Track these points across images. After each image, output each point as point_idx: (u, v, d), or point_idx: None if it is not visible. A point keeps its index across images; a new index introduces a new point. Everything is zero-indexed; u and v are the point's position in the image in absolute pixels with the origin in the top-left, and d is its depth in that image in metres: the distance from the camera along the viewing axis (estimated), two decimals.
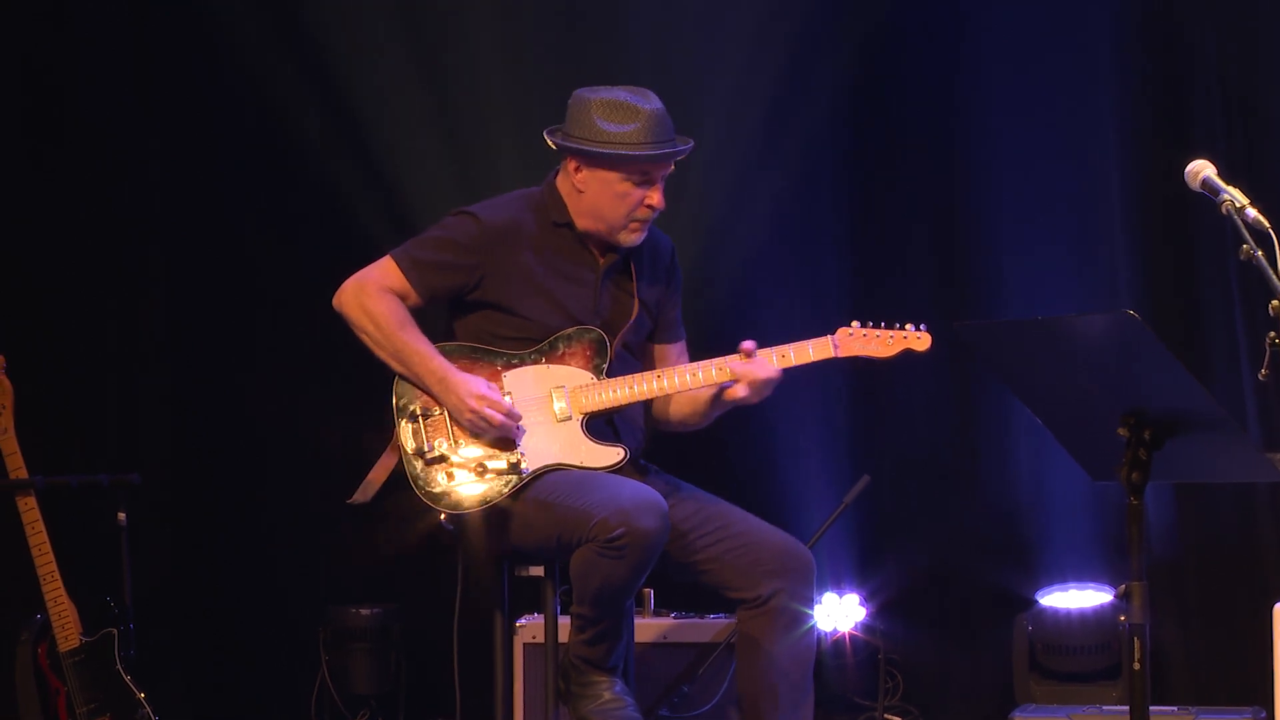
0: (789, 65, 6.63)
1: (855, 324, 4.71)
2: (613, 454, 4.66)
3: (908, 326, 4.74)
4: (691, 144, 4.74)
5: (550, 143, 4.76)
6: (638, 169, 4.66)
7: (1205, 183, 3.85)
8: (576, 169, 4.72)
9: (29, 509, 5.68)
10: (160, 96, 6.80)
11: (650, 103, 4.70)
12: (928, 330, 4.74)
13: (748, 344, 4.67)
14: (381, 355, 4.71)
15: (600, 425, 4.72)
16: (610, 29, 6.72)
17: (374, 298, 4.69)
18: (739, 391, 4.68)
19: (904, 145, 6.73)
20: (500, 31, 6.78)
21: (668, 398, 4.85)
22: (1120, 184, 6.47)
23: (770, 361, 4.66)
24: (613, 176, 4.67)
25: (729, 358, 4.68)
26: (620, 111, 4.66)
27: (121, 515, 5.81)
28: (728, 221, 6.65)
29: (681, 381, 4.70)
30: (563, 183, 4.78)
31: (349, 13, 6.79)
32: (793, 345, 4.69)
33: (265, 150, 6.80)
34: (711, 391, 4.75)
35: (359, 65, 6.77)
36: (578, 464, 4.65)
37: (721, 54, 6.67)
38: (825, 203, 6.77)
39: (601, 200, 4.70)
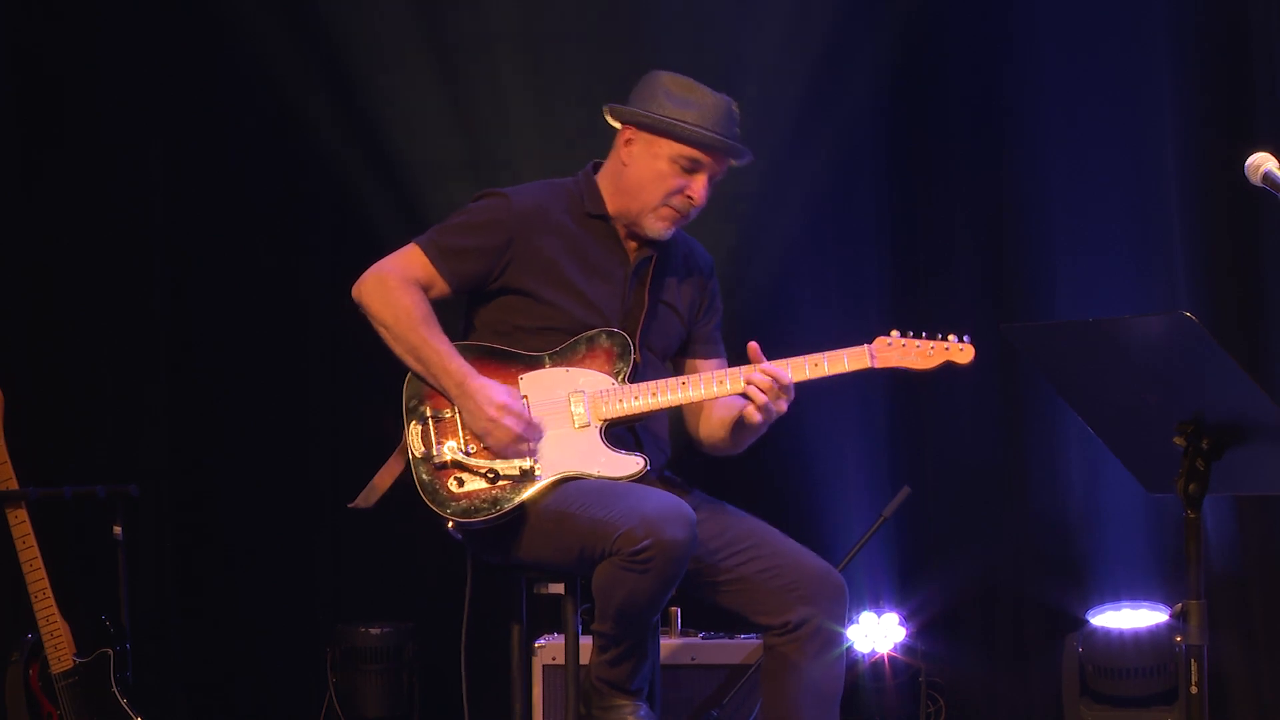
0: (827, 50, 6.65)
1: (895, 333, 4.67)
2: (632, 463, 4.63)
3: (950, 337, 4.69)
4: (750, 157, 4.74)
5: (608, 117, 4.76)
6: (687, 152, 4.67)
7: (1267, 177, 3.83)
8: (628, 141, 4.73)
9: (19, 522, 5.68)
10: (161, 96, 6.83)
11: (721, 95, 4.72)
12: (970, 342, 4.69)
13: (753, 345, 4.64)
14: (398, 351, 4.66)
15: (621, 433, 4.69)
16: (637, 14, 6.74)
17: (396, 289, 4.65)
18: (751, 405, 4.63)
19: (948, 135, 6.74)
20: (520, 14, 6.80)
21: (705, 415, 4.84)
22: (1178, 177, 6.46)
23: (786, 370, 4.61)
24: (662, 151, 4.67)
25: (757, 365, 4.64)
26: (689, 91, 4.70)
27: (118, 528, 5.81)
28: (762, 216, 6.64)
29: (706, 389, 4.66)
30: (603, 173, 4.80)
31: (357, 7, 6.81)
32: (827, 354, 4.64)
33: (267, 151, 6.83)
34: (734, 413, 4.72)
35: (367, 61, 6.80)
36: (595, 473, 4.61)
37: (756, 37, 6.68)
38: (865, 197, 6.77)
39: (644, 175, 4.69)
